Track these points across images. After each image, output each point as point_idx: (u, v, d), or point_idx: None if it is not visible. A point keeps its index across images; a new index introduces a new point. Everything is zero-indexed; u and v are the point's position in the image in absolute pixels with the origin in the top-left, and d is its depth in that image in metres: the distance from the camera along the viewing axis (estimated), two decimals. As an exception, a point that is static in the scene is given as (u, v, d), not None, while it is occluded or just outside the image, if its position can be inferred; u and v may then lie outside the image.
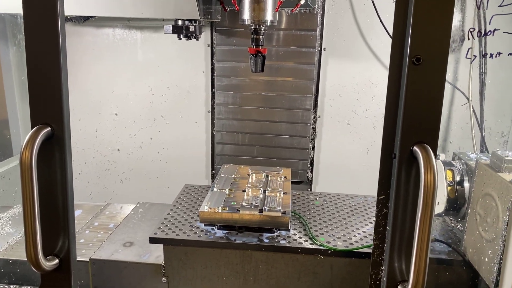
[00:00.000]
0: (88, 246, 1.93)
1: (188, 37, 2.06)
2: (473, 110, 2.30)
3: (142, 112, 2.75)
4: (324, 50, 2.51)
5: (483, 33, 1.63)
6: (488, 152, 2.29)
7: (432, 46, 1.17)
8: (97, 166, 2.85)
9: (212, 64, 2.56)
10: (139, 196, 2.76)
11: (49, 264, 1.33)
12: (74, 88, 2.63)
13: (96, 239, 2.00)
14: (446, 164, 1.80)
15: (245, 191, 1.97)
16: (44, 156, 1.31)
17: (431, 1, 1.15)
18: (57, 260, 1.37)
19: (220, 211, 1.78)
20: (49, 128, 1.30)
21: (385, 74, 2.51)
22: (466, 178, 1.74)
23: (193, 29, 1.96)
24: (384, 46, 2.48)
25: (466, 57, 1.91)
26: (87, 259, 1.84)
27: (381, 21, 2.37)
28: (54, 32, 1.25)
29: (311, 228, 1.89)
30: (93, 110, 2.76)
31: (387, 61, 2.49)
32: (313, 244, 1.77)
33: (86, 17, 2.42)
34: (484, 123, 2.40)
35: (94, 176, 2.86)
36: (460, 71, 2.41)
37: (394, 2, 1.19)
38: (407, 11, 1.18)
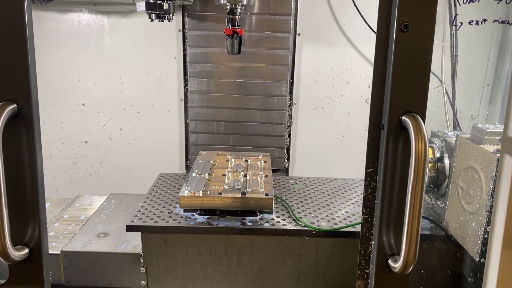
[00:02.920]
0: (59, 239, 1.81)
1: (161, 17, 1.97)
2: (446, 93, 2.34)
3: (111, 101, 2.62)
4: (299, 35, 2.48)
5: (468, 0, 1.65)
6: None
7: (419, 12, 1.16)
8: (63, 159, 2.70)
9: (184, 50, 2.48)
10: (110, 189, 2.62)
11: (18, 254, 1.23)
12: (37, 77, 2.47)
13: (67, 231, 1.88)
14: (426, 141, 1.80)
15: (225, 176, 1.91)
16: (10, 136, 1.21)
17: (418, -33, 1.13)
18: (27, 250, 1.26)
19: (201, 195, 1.71)
20: (15, 105, 1.21)
21: (359, 59, 2.56)
22: (446, 155, 1.76)
23: (167, 7, 1.87)
24: (358, 31, 2.49)
25: (453, 24, 1.93)
26: (58, 252, 1.72)
27: (355, 5, 2.37)
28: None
29: (294, 210, 1.86)
30: (58, 100, 2.61)
31: (360, 46, 2.55)
32: (297, 226, 1.73)
33: (50, -3, 2.28)
34: (456, 105, 2.45)
35: (61, 170, 2.71)
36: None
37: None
38: (393, -23, 1.16)
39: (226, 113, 2.56)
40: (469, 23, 1.74)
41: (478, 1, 1.65)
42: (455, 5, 1.81)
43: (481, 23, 1.73)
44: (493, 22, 1.71)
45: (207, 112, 2.56)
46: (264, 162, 2.13)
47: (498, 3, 1.61)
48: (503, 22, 1.77)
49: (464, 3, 1.74)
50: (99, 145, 2.69)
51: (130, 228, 1.69)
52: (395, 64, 1.19)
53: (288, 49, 2.46)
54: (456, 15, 1.84)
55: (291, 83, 2.54)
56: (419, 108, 1.21)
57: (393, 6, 1.17)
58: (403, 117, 1.19)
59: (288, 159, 2.65)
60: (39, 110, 1.25)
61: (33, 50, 1.23)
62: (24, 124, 1.23)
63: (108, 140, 2.69)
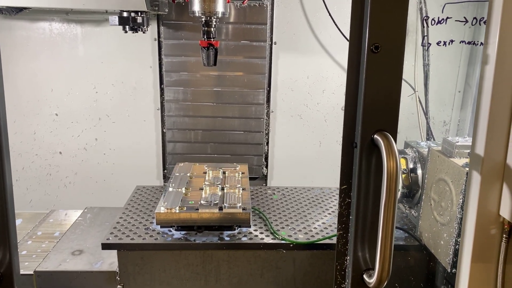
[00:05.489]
0: (32, 258, 1.76)
1: (134, 29, 1.94)
2: (419, 101, 2.39)
3: (86, 111, 2.58)
4: (275, 44, 2.50)
5: (436, 21, 1.69)
6: (434, 140, 2.39)
7: (390, 33, 1.18)
8: (36, 171, 2.64)
9: (160, 59, 2.46)
10: (85, 201, 2.59)
11: (-13, 280, 1.19)
12: (6, 87, 2.39)
13: (40, 249, 1.83)
14: (399, 152, 1.84)
15: (202, 189, 1.91)
16: (-23, 160, 1.17)
17: (388, -11, 1.15)
18: (-3, 276, 1.23)
19: (177, 211, 1.70)
20: (-19, 129, 1.16)
21: (334, 68, 2.59)
22: (419, 165, 1.80)
23: (140, 21, 1.85)
24: (332, 39, 2.51)
25: (421, 45, 1.98)
26: (31, 272, 1.68)
27: (330, 14, 2.40)
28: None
29: (272, 223, 1.87)
30: (30, 110, 2.55)
31: (336, 55, 2.58)
32: (274, 239, 1.74)
33: (19, 8, 2.21)
34: (429, 112, 2.50)
35: (34, 182, 2.65)
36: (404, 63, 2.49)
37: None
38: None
39: (204, 122, 2.55)
40: (437, 44, 1.79)
41: (446, 23, 1.70)
42: (423, 26, 1.86)
43: (449, 43, 1.79)
44: (460, 43, 1.76)
45: (184, 121, 2.55)
46: (242, 173, 2.14)
47: (464, 24, 1.66)
48: (469, 43, 1.83)
49: (432, 25, 1.79)
50: (74, 156, 2.64)
51: (105, 246, 1.67)
52: (367, 84, 1.21)
53: (265, 57, 2.47)
54: (424, 35, 1.90)
55: (268, 92, 2.55)
56: (390, 127, 1.23)
57: (364, 28, 1.18)
58: (375, 136, 1.21)
59: (266, 167, 2.66)
60: (7, 132, 1.22)
61: (1, 71, 1.19)
62: (-9, 142, 1.19)
63: (83, 150, 2.64)
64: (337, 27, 2.41)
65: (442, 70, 2.53)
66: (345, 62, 2.70)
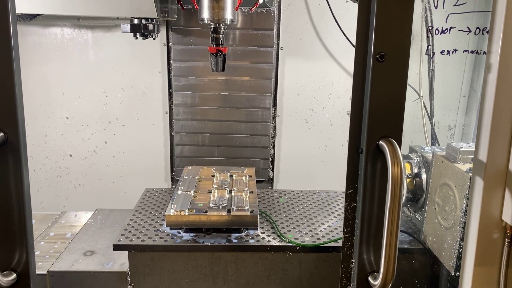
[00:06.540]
0: (45, 258, 1.81)
1: (145, 36, 2.00)
2: (424, 106, 2.42)
3: (96, 115, 2.63)
4: (281, 49, 2.54)
5: (440, 31, 1.73)
6: (439, 144, 2.42)
7: (394, 43, 1.21)
8: (47, 173, 2.69)
9: (169, 64, 2.50)
10: (95, 203, 2.64)
11: (6, 280, 1.24)
12: (20, 91, 2.46)
13: (53, 250, 1.88)
14: (404, 157, 1.88)
15: (211, 192, 1.95)
16: (-3, 164, 1.22)
17: (393, 0, 1.19)
18: (14, 275, 1.28)
19: (187, 213, 1.74)
20: (1, 134, 1.22)
21: (340, 73, 2.62)
22: (423, 170, 1.83)
23: (151, 28, 1.90)
24: (338, 45, 2.55)
25: (426, 54, 2.02)
26: (45, 272, 1.73)
27: (335, 20, 2.43)
28: (5, 28, 1.18)
29: (278, 225, 1.91)
30: (42, 113, 2.60)
31: (342, 60, 2.61)
32: (281, 242, 1.78)
33: (33, 15, 2.27)
34: (434, 117, 2.53)
35: (45, 184, 2.70)
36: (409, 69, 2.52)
37: (348, 2, 1.22)
38: (369, 10, 1.22)
39: (211, 125, 2.59)
40: (441, 53, 1.82)
41: (449, 33, 1.74)
42: (427, 36, 1.90)
43: (452, 52, 1.82)
44: (463, 52, 1.80)
45: (192, 125, 2.59)
46: (249, 176, 2.18)
47: (467, 34, 1.69)
48: (472, 52, 1.87)
49: (436, 34, 1.83)
50: (84, 158, 2.69)
51: (117, 247, 1.71)
52: (372, 92, 1.25)
53: (272, 62, 2.51)
54: (429, 45, 1.93)
55: (275, 96, 2.59)
56: (395, 133, 1.27)
57: (370, 37, 1.22)
58: (380, 142, 1.25)
59: (272, 170, 2.70)
60: (26, 138, 1.27)
61: (20, 74, 1.25)
62: (12, 152, 1.24)
63: (93, 153, 2.69)
64: (343, 32, 2.45)
65: (447, 75, 2.55)
66: (350, 67, 2.74)
